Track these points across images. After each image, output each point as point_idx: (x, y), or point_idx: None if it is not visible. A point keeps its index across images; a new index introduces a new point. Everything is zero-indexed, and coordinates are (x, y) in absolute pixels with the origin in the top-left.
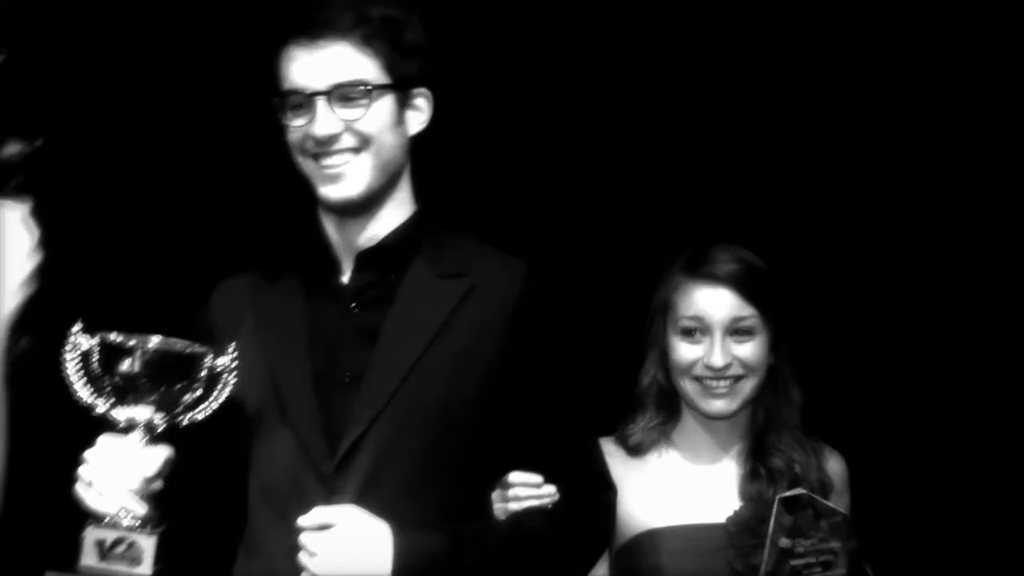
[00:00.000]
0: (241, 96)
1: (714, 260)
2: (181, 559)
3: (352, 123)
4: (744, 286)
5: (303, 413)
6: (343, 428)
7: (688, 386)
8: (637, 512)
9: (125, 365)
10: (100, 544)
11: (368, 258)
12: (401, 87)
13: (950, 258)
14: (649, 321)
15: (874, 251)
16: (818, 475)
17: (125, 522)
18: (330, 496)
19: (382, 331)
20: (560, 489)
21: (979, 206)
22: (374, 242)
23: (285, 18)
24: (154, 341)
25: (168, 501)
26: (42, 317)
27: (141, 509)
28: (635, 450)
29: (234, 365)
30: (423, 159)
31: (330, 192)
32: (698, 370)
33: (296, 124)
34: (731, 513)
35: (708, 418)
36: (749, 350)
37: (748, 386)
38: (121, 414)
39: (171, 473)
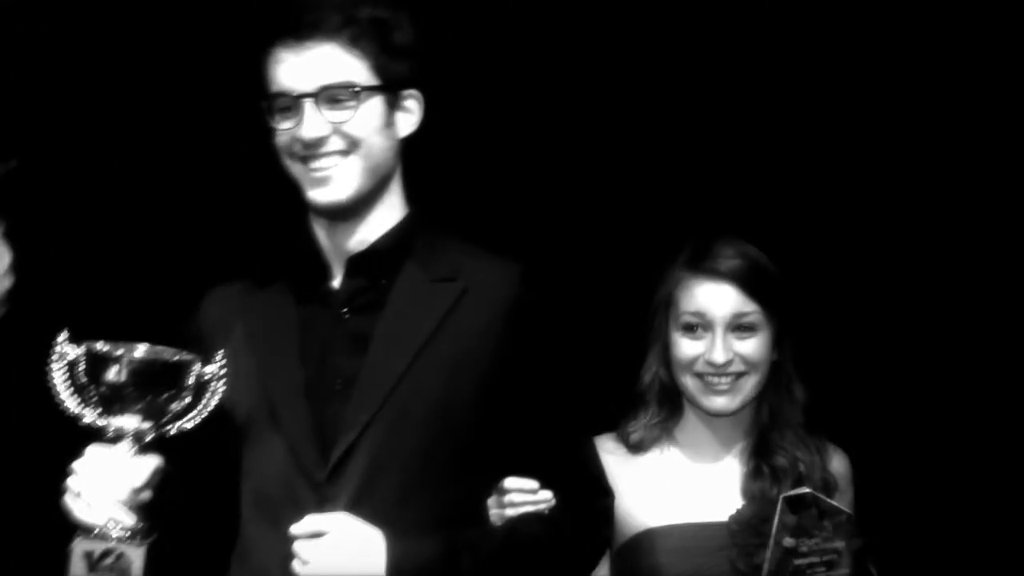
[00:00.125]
0: (229, 99)
1: (716, 255)
2: (171, 570)
3: (340, 125)
4: (747, 282)
5: (295, 420)
6: (335, 435)
7: (689, 382)
8: (638, 510)
9: (111, 374)
10: (89, 556)
11: (359, 263)
12: (390, 88)
13: (955, 255)
14: (651, 317)
15: (878, 247)
16: (822, 474)
17: (114, 533)
18: (323, 504)
19: (374, 336)
20: (556, 494)
21: (983, 203)
22: (365, 246)
23: (272, 19)
24: (141, 349)
25: (158, 511)
26: (20, 334)
27: (130, 520)
28: (636, 447)
29: (222, 373)
30: (414, 161)
31: (318, 196)
32: (699, 366)
33: (284, 127)
34: (734, 512)
35: (710, 415)
36: (751, 346)
37: (750, 383)
38: (109, 424)
39: (160, 483)
